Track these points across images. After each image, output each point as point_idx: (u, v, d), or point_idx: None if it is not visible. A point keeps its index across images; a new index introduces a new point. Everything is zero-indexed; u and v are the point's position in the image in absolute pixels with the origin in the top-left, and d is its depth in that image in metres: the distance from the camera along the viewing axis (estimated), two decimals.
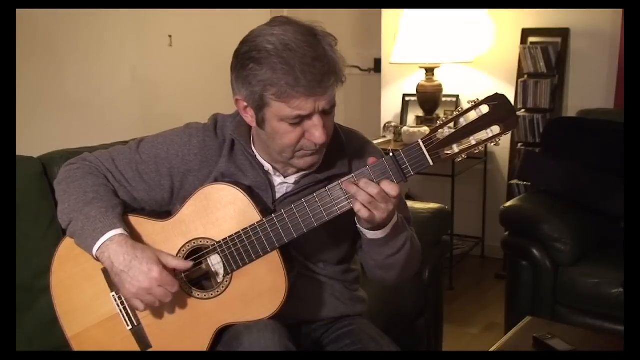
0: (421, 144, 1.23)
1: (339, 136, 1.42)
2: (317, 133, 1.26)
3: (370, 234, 1.32)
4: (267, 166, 1.40)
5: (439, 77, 3.69)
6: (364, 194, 1.23)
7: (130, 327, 1.37)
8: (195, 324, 1.35)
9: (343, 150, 1.42)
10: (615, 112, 2.97)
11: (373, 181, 1.24)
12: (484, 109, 1.22)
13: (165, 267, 1.28)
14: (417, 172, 1.25)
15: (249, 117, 1.32)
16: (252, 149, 1.40)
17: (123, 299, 1.35)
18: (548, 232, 2.46)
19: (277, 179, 1.41)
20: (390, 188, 1.23)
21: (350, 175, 1.26)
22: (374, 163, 1.25)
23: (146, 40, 3.80)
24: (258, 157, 1.40)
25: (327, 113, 1.27)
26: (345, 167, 1.41)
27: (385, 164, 1.25)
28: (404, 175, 1.25)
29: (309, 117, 1.25)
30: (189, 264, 1.32)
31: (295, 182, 1.41)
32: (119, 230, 1.30)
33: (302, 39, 1.22)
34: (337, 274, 1.49)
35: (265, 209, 1.34)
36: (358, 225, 1.33)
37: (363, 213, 1.24)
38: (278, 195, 1.41)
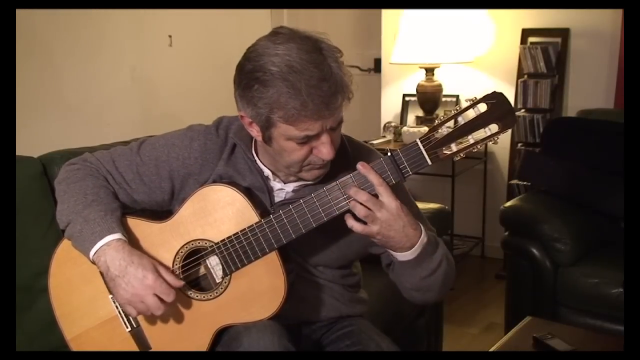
0: (419, 143, 1.23)
1: (345, 149, 1.39)
2: (324, 150, 1.25)
3: (400, 256, 1.29)
4: (267, 172, 1.39)
5: (439, 77, 3.69)
6: (360, 207, 1.22)
7: (130, 329, 1.37)
8: (194, 325, 1.35)
9: (349, 164, 1.38)
10: (615, 112, 2.97)
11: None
12: (482, 107, 1.21)
13: (161, 276, 1.28)
14: (415, 172, 1.24)
15: (255, 132, 1.30)
16: (252, 154, 1.39)
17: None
18: (548, 232, 2.45)
19: (276, 185, 1.40)
20: (371, 174, 1.22)
21: (349, 176, 1.25)
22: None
23: (146, 40, 3.79)
24: (258, 162, 1.39)
25: (334, 129, 1.26)
26: None
27: (383, 164, 1.24)
28: (402, 175, 1.24)
29: (316, 136, 1.24)
30: (181, 282, 1.31)
31: (294, 191, 1.39)
32: (117, 235, 1.29)
33: (307, 58, 1.19)
34: (337, 278, 1.49)
35: (263, 211, 1.34)
36: (387, 249, 1.31)
37: (357, 228, 1.24)
38: (276, 200, 1.40)
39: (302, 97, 1.17)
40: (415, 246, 1.27)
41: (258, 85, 1.21)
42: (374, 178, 1.22)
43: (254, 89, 1.21)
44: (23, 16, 2.83)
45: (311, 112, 1.19)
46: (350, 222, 1.24)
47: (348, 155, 1.40)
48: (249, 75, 1.22)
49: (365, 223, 1.24)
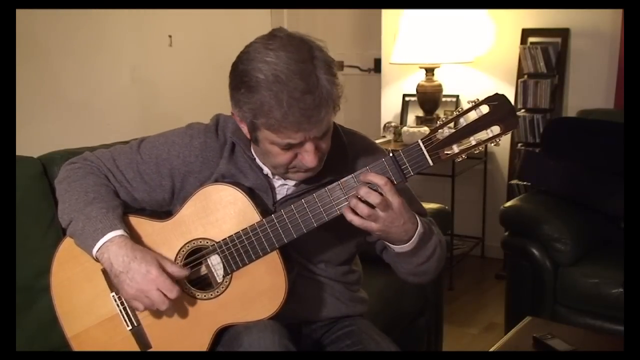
0: (421, 144, 1.23)
1: (340, 139, 1.40)
2: (308, 158, 1.25)
3: (397, 248, 1.31)
4: (266, 170, 1.39)
5: (439, 77, 3.69)
6: (363, 206, 1.22)
7: (130, 327, 1.37)
8: (195, 324, 1.35)
9: (345, 153, 1.41)
10: (615, 112, 2.98)
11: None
12: (484, 109, 1.21)
13: (165, 271, 1.28)
14: (417, 173, 1.25)
15: (245, 130, 1.32)
16: (251, 152, 1.39)
17: (123, 299, 1.35)
18: (548, 232, 2.45)
19: (277, 182, 1.41)
20: (374, 178, 1.22)
21: (350, 176, 1.26)
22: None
23: (146, 40, 3.80)
24: (257, 160, 1.39)
25: (320, 138, 1.26)
26: (347, 170, 1.40)
27: (385, 164, 1.24)
28: (403, 175, 1.24)
29: (300, 144, 1.24)
30: (185, 272, 1.31)
31: (296, 185, 1.40)
32: (119, 232, 1.30)
33: (295, 68, 1.18)
34: (338, 276, 1.49)
35: (265, 210, 1.34)
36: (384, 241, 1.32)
37: (356, 222, 1.24)
38: (279, 197, 1.41)
39: (283, 109, 1.17)
40: (413, 239, 1.30)
41: (244, 89, 1.22)
42: (378, 180, 1.23)
43: (241, 92, 1.23)
44: (23, 16, 2.82)
45: (291, 123, 1.19)
46: (350, 216, 1.24)
47: (344, 145, 1.41)
48: (238, 77, 1.24)
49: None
